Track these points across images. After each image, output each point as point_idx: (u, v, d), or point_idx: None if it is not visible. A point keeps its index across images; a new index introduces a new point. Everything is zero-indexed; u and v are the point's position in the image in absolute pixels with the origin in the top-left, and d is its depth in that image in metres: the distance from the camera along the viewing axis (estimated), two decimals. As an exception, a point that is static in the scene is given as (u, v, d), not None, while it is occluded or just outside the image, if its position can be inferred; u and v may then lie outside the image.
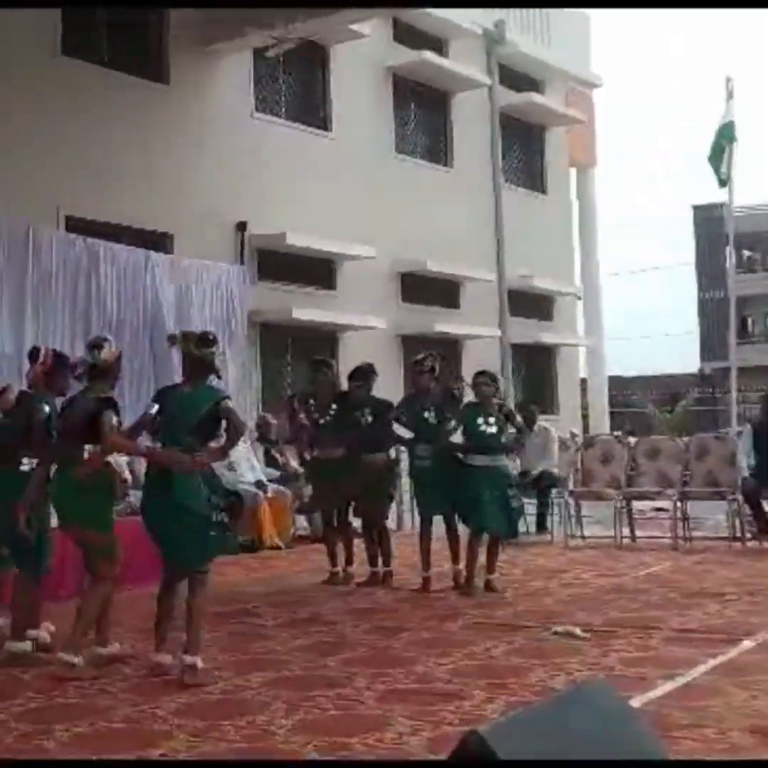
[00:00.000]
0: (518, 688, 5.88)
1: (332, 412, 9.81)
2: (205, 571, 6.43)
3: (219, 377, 6.74)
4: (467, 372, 10.11)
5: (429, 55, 19.45)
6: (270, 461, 13.45)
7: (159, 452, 6.43)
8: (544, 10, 22.87)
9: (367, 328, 17.52)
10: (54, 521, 7.00)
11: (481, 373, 9.45)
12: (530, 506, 13.18)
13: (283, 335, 16.84)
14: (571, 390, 23.97)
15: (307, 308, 16.64)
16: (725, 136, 16.46)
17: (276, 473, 13.28)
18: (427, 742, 4.93)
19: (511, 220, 21.10)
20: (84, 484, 6.58)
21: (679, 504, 12.02)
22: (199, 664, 6.21)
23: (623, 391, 40.38)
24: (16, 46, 13.33)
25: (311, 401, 9.97)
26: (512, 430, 9.44)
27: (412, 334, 18.53)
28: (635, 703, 5.18)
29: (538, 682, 5.99)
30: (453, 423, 9.22)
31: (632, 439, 13.56)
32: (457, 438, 9.32)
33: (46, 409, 6.90)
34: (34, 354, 7.26)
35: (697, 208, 50.17)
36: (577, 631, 7.23)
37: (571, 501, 12.59)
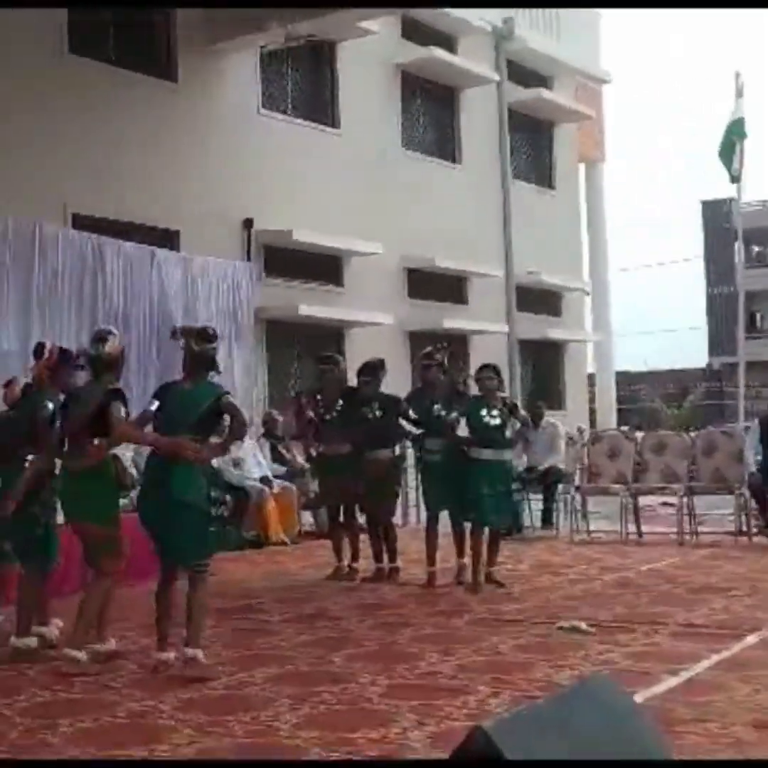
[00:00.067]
0: (523, 683, 5.88)
1: (339, 409, 9.82)
2: (204, 566, 6.43)
3: (219, 373, 6.74)
4: (475, 368, 10.10)
5: (437, 52, 19.42)
6: (276, 457, 13.47)
7: (166, 440, 6.41)
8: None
9: (374, 324, 17.51)
10: (60, 518, 7.02)
11: (484, 367, 9.46)
12: (536, 501, 13.22)
13: (290, 332, 16.84)
14: (579, 385, 23.95)
15: (314, 304, 16.63)
16: (735, 133, 16.43)
17: (282, 469, 13.30)
18: (431, 738, 4.93)
19: (519, 216, 21.07)
20: (88, 477, 6.59)
21: (685, 499, 12.01)
22: (201, 656, 6.22)
23: (631, 386, 40.32)
24: (24, 45, 13.33)
25: (318, 397, 9.99)
26: (518, 424, 9.44)
27: (419, 330, 18.52)
28: (639, 698, 5.18)
29: (543, 678, 5.99)
30: (455, 414, 9.23)
31: (639, 435, 13.53)
32: (462, 432, 9.32)
33: (50, 406, 6.91)
34: (39, 350, 7.28)
35: (705, 204, 50.10)
36: (583, 626, 7.23)
37: (578, 496, 12.59)
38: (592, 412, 25.27)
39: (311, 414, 9.97)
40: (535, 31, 22.34)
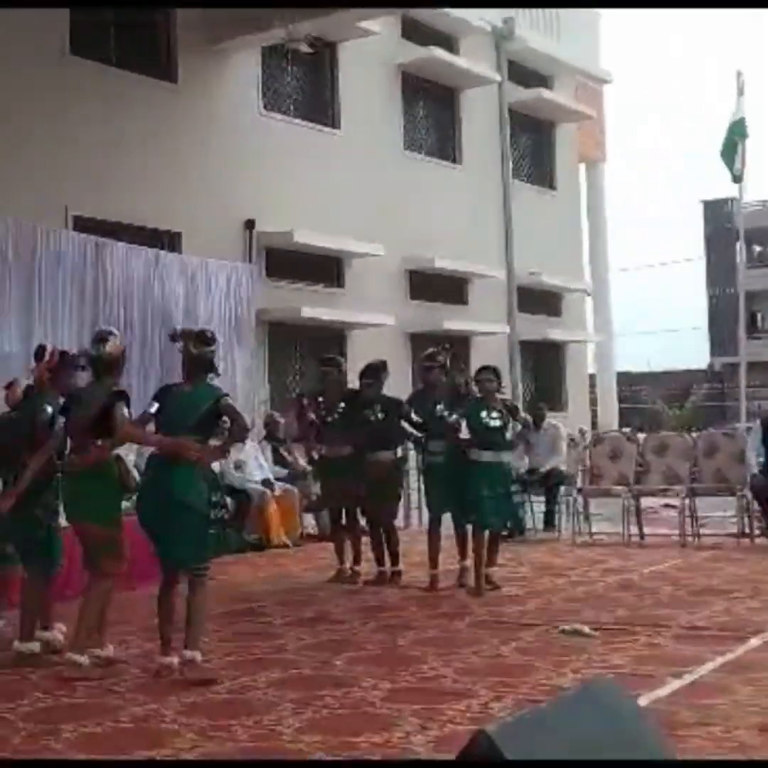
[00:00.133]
0: (526, 686, 5.88)
1: (341, 411, 9.81)
2: (204, 570, 6.43)
3: (217, 375, 6.74)
4: (475, 369, 10.09)
5: (438, 52, 19.41)
6: (278, 459, 13.46)
7: (169, 440, 6.41)
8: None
9: (375, 325, 17.51)
10: (63, 521, 7.01)
11: (483, 369, 9.47)
12: (538, 503, 13.21)
13: (291, 333, 16.84)
14: (580, 386, 23.93)
15: (315, 306, 16.62)
16: (737, 132, 16.42)
17: (284, 472, 13.29)
18: (434, 741, 4.93)
19: (519, 217, 21.05)
20: (89, 477, 6.58)
21: (687, 501, 12.00)
22: (198, 658, 6.22)
23: (632, 387, 40.30)
24: (25, 46, 13.33)
25: (320, 399, 9.98)
26: (519, 426, 9.43)
27: (420, 331, 18.51)
28: (643, 701, 5.18)
29: (545, 681, 5.98)
30: (455, 416, 9.22)
31: (641, 436, 13.52)
32: (464, 434, 9.31)
33: (49, 410, 6.90)
34: (39, 352, 7.28)
35: (706, 204, 50.05)
36: (585, 629, 7.22)
37: (579, 498, 12.58)
38: (594, 413, 25.26)
39: (313, 416, 9.96)
40: (536, 31, 22.32)
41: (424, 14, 19.24)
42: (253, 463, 12.63)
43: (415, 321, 18.64)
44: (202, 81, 15.66)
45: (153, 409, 6.53)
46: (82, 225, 13.59)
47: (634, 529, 12.22)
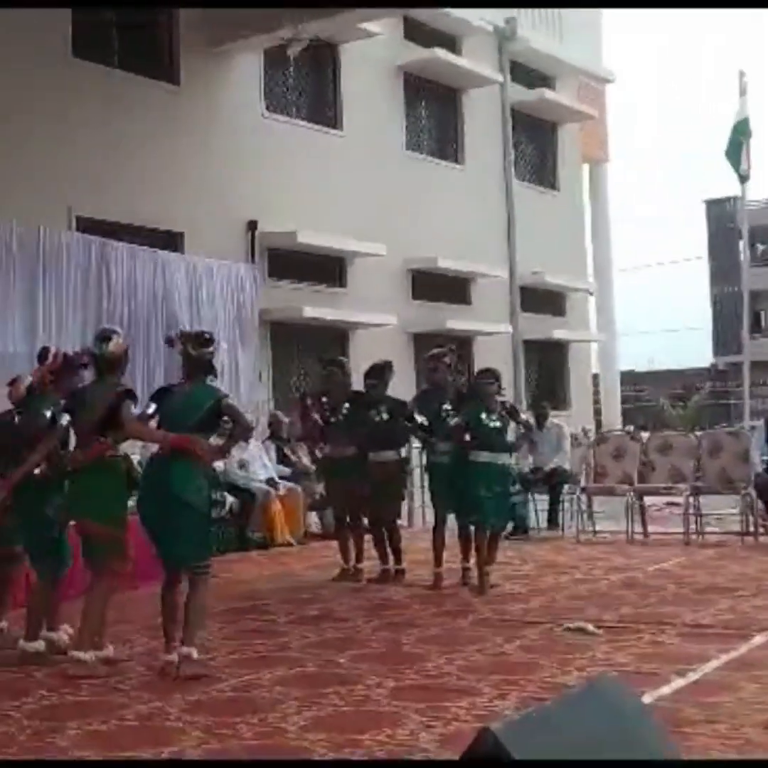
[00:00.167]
0: (530, 684, 5.87)
1: (344, 411, 9.81)
2: (204, 568, 6.43)
3: (216, 376, 6.75)
4: (478, 368, 10.10)
5: (440, 53, 19.42)
6: (282, 459, 13.48)
7: (176, 436, 6.41)
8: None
9: (378, 325, 17.52)
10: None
11: (483, 372, 9.49)
12: (542, 502, 13.22)
13: (294, 333, 16.84)
14: (583, 386, 23.93)
15: (318, 306, 16.63)
16: (741, 132, 16.42)
17: (288, 471, 13.31)
18: (439, 739, 4.92)
19: (522, 217, 21.06)
20: (91, 473, 6.57)
21: (691, 499, 11.99)
22: (194, 654, 6.23)
23: (635, 386, 40.30)
24: (27, 48, 13.35)
25: (324, 399, 9.98)
26: (521, 428, 9.43)
27: (423, 331, 18.51)
28: (647, 699, 5.18)
29: (549, 679, 5.98)
30: (457, 419, 9.22)
31: (644, 435, 13.51)
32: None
33: (47, 415, 6.90)
34: (43, 354, 7.27)
35: (709, 203, 50.02)
36: (589, 627, 7.21)
37: (583, 497, 12.57)
38: (597, 412, 25.26)
39: (316, 416, 9.96)
40: (538, 32, 22.31)
41: (425, 15, 19.24)
42: (257, 463, 12.65)
43: (417, 321, 18.64)
44: (204, 82, 15.67)
45: (150, 411, 6.55)
46: (85, 226, 13.62)
47: (637, 528, 12.21)
